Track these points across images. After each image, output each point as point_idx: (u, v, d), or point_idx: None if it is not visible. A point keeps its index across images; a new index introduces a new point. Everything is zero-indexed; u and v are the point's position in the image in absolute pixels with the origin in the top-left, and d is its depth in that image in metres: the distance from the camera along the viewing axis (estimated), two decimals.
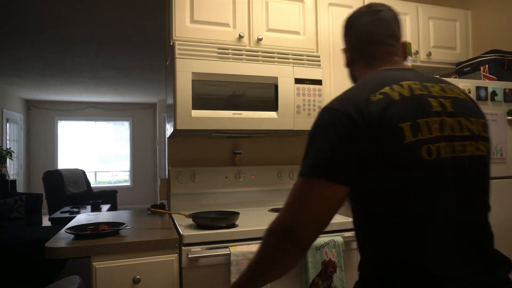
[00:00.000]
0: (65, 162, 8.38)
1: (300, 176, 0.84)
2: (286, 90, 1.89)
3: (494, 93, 1.93)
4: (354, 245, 1.69)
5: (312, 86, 1.94)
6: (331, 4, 2.14)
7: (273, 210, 2.04)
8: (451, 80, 1.89)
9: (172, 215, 1.91)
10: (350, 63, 1.04)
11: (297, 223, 0.83)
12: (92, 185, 7.38)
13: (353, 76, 1.05)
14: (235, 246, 1.48)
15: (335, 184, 0.81)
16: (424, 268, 0.80)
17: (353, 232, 1.67)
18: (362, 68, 1.00)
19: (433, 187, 0.81)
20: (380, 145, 0.80)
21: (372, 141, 0.80)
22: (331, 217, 0.83)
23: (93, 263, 1.37)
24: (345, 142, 0.80)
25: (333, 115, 0.83)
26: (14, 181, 6.01)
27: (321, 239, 1.58)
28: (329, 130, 0.82)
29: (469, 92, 1.88)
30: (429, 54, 2.34)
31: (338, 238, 1.61)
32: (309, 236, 0.83)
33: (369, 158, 0.80)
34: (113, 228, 1.54)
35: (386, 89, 0.86)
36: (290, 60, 1.92)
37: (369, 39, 0.98)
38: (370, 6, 1.00)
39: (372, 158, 0.80)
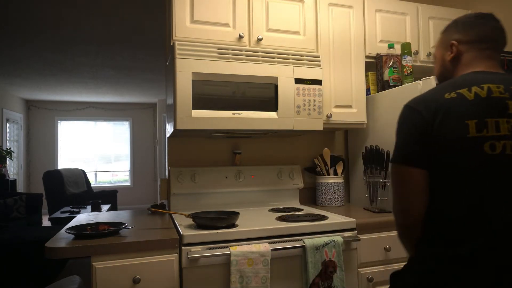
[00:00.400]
0: (65, 162, 8.38)
1: (390, 163, 1.07)
2: (286, 90, 1.89)
3: None
4: (354, 245, 1.69)
5: (312, 86, 1.94)
6: (331, 4, 2.14)
7: (273, 210, 2.04)
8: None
9: (172, 215, 1.92)
10: (454, 59, 1.10)
11: (400, 203, 1.00)
12: (92, 185, 7.39)
13: (446, 70, 1.13)
14: (235, 246, 1.48)
15: (411, 167, 0.96)
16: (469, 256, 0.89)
17: (353, 232, 1.68)
18: (460, 66, 1.09)
19: (491, 180, 0.90)
20: (445, 138, 0.93)
21: (438, 135, 0.93)
22: (419, 196, 0.96)
23: (93, 263, 1.37)
24: (416, 135, 0.96)
25: (408, 112, 1.00)
26: (14, 181, 6.01)
27: (321, 239, 1.58)
28: (405, 125, 1.00)
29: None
30: (429, 54, 2.34)
31: (338, 238, 1.61)
32: (413, 211, 0.97)
33: (435, 149, 0.93)
34: (113, 228, 1.54)
35: (463, 90, 0.96)
36: (290, 60, 1.92)
37: (492, 42, 1.06)
38: (490, 14, 1.09)
39: (437, 150, 0.93)
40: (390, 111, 2.09)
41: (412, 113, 0.98)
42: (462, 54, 1.08)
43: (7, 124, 7.02)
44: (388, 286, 1.09)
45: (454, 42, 1.09)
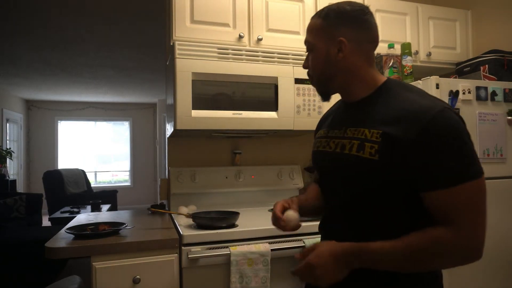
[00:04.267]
0: (65, 162, 8.37)
1: (474, 179, 0.81)
2: (286, 90, 1.89)
3: (494, 93, 1.93)
4: None
5: (312, 86, 1.93)
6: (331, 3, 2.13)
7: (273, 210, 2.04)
8: (451, 80, 1.89)
9: (172, 215, 1.91)
10: (346, 56, 0.95)
11: (484, 221, 0.83)
12: (92, 185, 7.37)
13: (345, 68, 0.96)
14: (235, 246, 1.47)
15: None
16: None
17: None
18: (364, 65, 0.96)
19: None
20: None
21: None
22: None
23: (93, 263, 1.37)
24: None
25: (460, 120, 0.86)
26: (14, 181, 6.00)
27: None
28: (466, 134, 0.85)
29: (469, 92, 1.88)
30: (429, 54, 2.34)
31: None
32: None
33: None
34: (113, 228, 1.54)
35: None
36: (290, 60, 1.92)
37: (375, 41, 0.99)
38: (368, 7, 0.99)
39: None
40: None
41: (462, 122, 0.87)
42: (361, 53, 0.96)
43: (7, 124, 7.02)
44: None
45: (343, 39, 0.94)
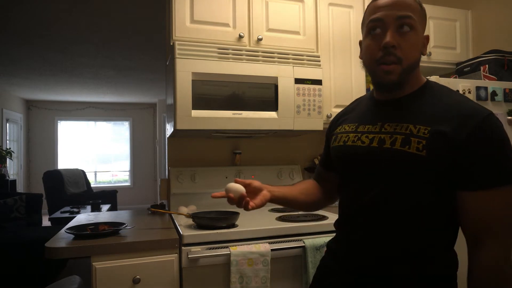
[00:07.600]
0: (65, 162, 8.38)
1: None
2: (286, 90, 1.89)
3: (494, 93, 1.93)
4: None
5: (312, 86, 1.94)
6: (331, 4, 2.14)
7: (273, 210, 2.04)
8: (451, 80, 1.89)
9: (172, 215, 1.91)
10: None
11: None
12: (92, 185, 7.37)
13: (418, 64, 0.97)
14: (235, 246, 1.47)
15: None
16: None
17: None
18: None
19: None
20: None
21: None
22: None
23: (93, 263, 1.37)
24: None
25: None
26: (14, 181, 6.00)
27: (321, 239, 1.57)
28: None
29: (469, 92, 1.88)
30: (429, 54, 2.34)
31: None
32: None
33: None
34: (113, 228, 1.54)
35: None
36: (290, 60, 1.92)
37: None
38: None
39: None
40: None
41: None
42: None
43: (7, 124, 7.02)
44: None
45: (427, 35, 0.96)
